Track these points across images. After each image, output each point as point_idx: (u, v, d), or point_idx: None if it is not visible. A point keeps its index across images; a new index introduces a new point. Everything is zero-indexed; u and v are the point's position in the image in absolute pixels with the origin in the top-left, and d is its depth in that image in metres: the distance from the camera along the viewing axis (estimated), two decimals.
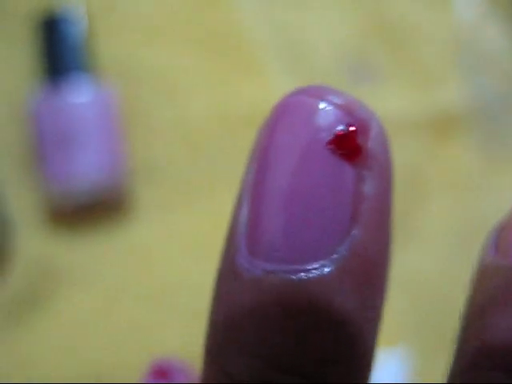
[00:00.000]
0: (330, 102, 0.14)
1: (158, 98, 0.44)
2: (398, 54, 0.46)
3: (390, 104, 0.45)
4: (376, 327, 0.14)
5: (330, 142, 0.14)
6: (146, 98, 0.44)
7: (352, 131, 0.14)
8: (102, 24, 0.45)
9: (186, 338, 0.37)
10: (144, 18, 0.46)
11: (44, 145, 0.41)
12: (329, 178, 0.14)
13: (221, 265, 0.15)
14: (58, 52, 0.42)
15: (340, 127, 0.14)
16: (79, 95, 0.41)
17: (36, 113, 0.41)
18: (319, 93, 0.14)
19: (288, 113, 0.14)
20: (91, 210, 0.42)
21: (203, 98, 0.45)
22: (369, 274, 0.14)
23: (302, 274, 0.13)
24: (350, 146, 0.14)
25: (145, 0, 0.46)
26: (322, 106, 0.14)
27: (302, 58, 0.46)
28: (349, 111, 0.14)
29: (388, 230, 0.14)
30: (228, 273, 0.14)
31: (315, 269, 0.13)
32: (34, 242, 0.42)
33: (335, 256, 0.13)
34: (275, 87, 0.45)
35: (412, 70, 0.46)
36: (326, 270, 0.13)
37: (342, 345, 0.14)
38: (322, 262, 0.13)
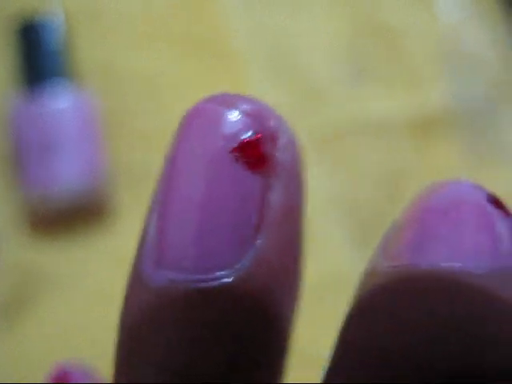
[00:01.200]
0: (238, 110, 0.14)
1: (139, 103, 0.44)
2: (384, 56, 0.46)
3: (374, 105, 0.45)
4: (285, 333, 0.14)
5: (234, 150, 0.13)
6: (127, 103, 0.44)
7: (257, 139, 0.14)
8: (83, 30, 0.45)
9: None
10: (125, 23, 0.46)
11: (24, 151, 0.41)
12: (233, 186, 0.13)
13: (130, 274, 0.14)
14: (37, 58, 0.42)
15: (246, 135, 0.14)
16: (59, 101, 0.41)
17: (16, 119, 0.41)
18: (229, 100, 0.14)
19: (196, 121, 0.14)
20: (72, 215, 0.42)
21: (185, 104, 0.44)
22: (274, 283, 0.14)
23: (204, 283, 0.13)
24: (254, 153, 0.14)
25: (126, 6, 0.46)
26: (229, 113, 0.14)
27: (287, 64, 0.46)
28: (257, 119, 0.14)
29: (297, 238, 0.14)
30: (135, 281, 0.14)
31: (217, 278, 0.13)
32: (15, 248, 0.42)
33: (238, 266, 0.13)
34: (260, 93, 0.45)
35: (397, 72, 0.46)
36: (226, 280, 0.13)
37: (253, 351, 0.14)
38: (223, 273, 0.13)
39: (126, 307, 0.14)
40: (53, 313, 0.41)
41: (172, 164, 0.14)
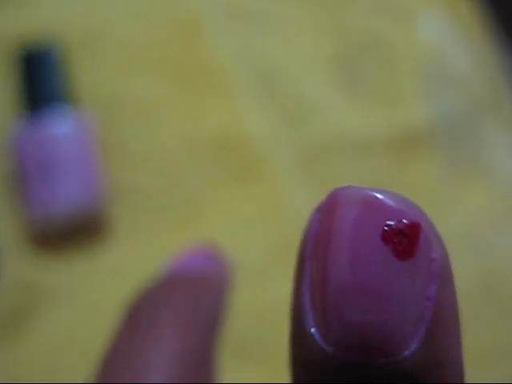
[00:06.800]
0: (385, 198, 0.13)
1: (134, 126, 0.45)
2: (367, 76, 0.47)
3: (357, 123, 0.46)
4: None
5: (384, 236, 0.13)
6: (123, 126, 0.44)
7: (404, 228, 0.13)
8: (80, 56, 0.45)
9: None
10: (120, 49, 0.46)
11: (26, 173, 0.41)
12: (385, 272, 0.13)
13: (293, 325, 0.14)
14: (37, 85, 0.42)
15: (393, 222, 0.13)
16: (59, 125, 0.42)
17: (18, 142, 0.42)
18: (374, 189, 0.14)
19: (344, 205, 0.14)
20: (71, 233, 0.42)
21: (178, 125, 0.45)
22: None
23: (371, 370, 0.13)
24: (402, 241, 0.13)
25: (121, 33, 0.47)
26: (378, 200, 0.13)
27: (274, 84, 0.46)
28: (402, 208, 0.13)
29: (458, 343, 0.14)
30: (302, 337, 0.14)
31: (383, 366, 0.13)
32: (17, 264, 0.42)
33: (406, 353, 0.13)
34: (248, 114, 0.45)
35: (379, 91, 0.46)
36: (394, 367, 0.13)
37: None
38: (388, 359, 0.13)
39: (295, 359, 0.14)
40: (53, 327, 0.41)
41: (325, 246, 0.13)
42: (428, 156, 0.45)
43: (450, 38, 0.48)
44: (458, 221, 0.44)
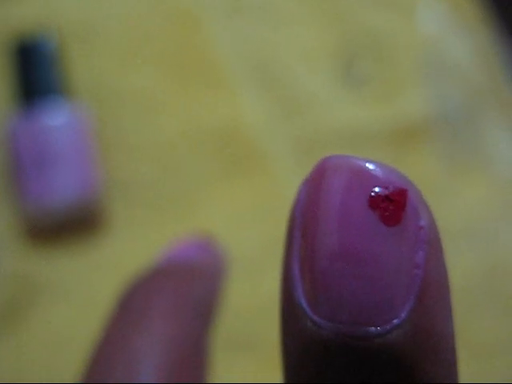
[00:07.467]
0: (371, 166, 0.13)
1: (131, 119, 0.44)
2: (365, 67, 0.46)
3: (353, 115, 0.45)
4: None
5: (371, 203, 0.13)
6: (120, 119, 0.44)
7: (390, 194, 0.13)
8: (77, 48, 0.45)
9: None
10: (117, 41, 0.46)
11: (21, 165, 0.41)
12: (373, 241, 0.13)
13: (284, 298, 0.14)
14: (33, 77, 0.42)
15: (380, 189, 0.13)
16: (54, 118, 0.41)
17: (13, 135, 0.41)
18: (360, 158, 0.14)
19: (332, 174, 0.13)
20: (67, 227, 0.42)
21: (175, 118, 0.45)
22: (426, 346, 0.13)
23: (362, 341, 0.13)
24: (389, 208, 0.13)
25: (118, 24, 0.46)
26: (364, 169, 0.13)
27: (272, 76, 0.46)
28: (388, 176, 0.13)
29: (447, 312, 0.14)
30: (292, 311, 0.13)
31: (370, 335, 0.13)
32: (12, 258, 0.42)
33: (392, 324, 0.13)
34: (246, 107, 0.45)
35: (375, 82, 0.46)
36: (380, 337, 0.13)
37: None
38: (375, 329, 0.13)
39: (285, 332, 0.14)
40: (48, 322, 0.41)
41: (312, 216, 0.13)
42: (427, 148, 0.45)
43: (449, 29, 0.48)
44: (459, 213, 0.44)
